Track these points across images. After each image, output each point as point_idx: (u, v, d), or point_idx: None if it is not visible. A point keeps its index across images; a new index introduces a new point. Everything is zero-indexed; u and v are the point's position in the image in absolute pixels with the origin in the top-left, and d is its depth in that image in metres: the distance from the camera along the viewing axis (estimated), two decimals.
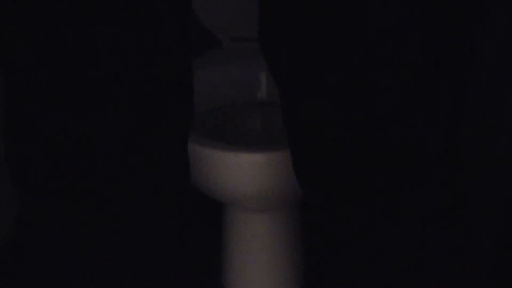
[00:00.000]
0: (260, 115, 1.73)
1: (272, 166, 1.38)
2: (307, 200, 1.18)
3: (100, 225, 1.07)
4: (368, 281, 1.08)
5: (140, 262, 1.10)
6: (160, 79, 1.04)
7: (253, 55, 1.73)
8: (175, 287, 1.15)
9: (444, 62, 0.97)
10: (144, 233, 1.10)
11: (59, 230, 1.07)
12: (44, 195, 1.06)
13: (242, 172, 1.40)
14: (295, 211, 1.59)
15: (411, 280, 1.06)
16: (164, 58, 1.04)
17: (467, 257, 1.05)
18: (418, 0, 0.93)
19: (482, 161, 1.00)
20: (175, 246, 1.15)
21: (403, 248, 1.05)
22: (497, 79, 0.97)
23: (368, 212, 1.05)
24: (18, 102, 1.03)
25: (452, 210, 1.03)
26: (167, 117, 1.07)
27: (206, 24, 1.77)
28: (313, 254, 1.62)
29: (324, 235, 1.12)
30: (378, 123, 0.99)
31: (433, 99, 0.98)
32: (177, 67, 1.07)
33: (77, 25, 0.97)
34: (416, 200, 1.03)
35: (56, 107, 1.01)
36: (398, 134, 1.00)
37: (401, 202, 1.03)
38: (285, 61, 1.05)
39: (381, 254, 1.06)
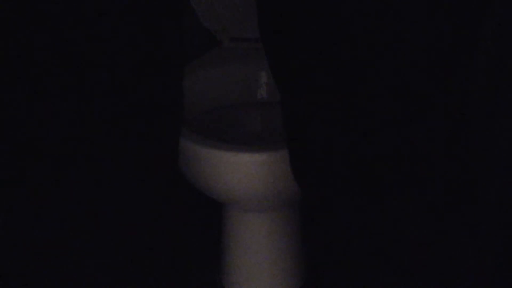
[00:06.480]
0: (260, 115, 1.73)
1: (272, 166, 1.38)
2: (305, 199, 1.18)
3: (98, 227, 1.07)
4: (368, 281, 1.08)
5: (139, 262, 1.11)
6: (151, 77, 1.05)
7: (253, 55, 1.73)
8: (175, 286, 1.15)
9: (444, 62, 0.97)
10: (143, 233, 1.10)
11: (51, 232, 1.07)
12: (30, 196, 1.06)
13: (242, 172, 1.40)
14: (295, 211, 1.59)
15: (412, 280, 1.06)
16: (156, 56, 1.05)
17: (470, 256, 1.05)
18: (418, 1, 0.94)
19: (484, 159, 1.00)
20: (175, 246, 1.15)
21: (402, 248, 1.05)
22: (497, 79, 0.97)
23: (366, 212, 1.05)
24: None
25: (454, 210, 1.03)
26: (157, 116, 1.08)
27: (206, 24, 1.77)
28: (313, 254, 1.62)
29: (324, 235, 1.12)
30: (377, 122, 0.99)
31: (434, 97, 0.98)
32: (169, 66, 1.08)
33: (70, 23, 0.97)
34: (416, 199, 1.03)
35: (48, 110, 1.01)
36: (397, 133, 1.00)
37: (400, 202, 1.03)
38: (286, 59, 1.06)
39: (380, 254, 1.07)
